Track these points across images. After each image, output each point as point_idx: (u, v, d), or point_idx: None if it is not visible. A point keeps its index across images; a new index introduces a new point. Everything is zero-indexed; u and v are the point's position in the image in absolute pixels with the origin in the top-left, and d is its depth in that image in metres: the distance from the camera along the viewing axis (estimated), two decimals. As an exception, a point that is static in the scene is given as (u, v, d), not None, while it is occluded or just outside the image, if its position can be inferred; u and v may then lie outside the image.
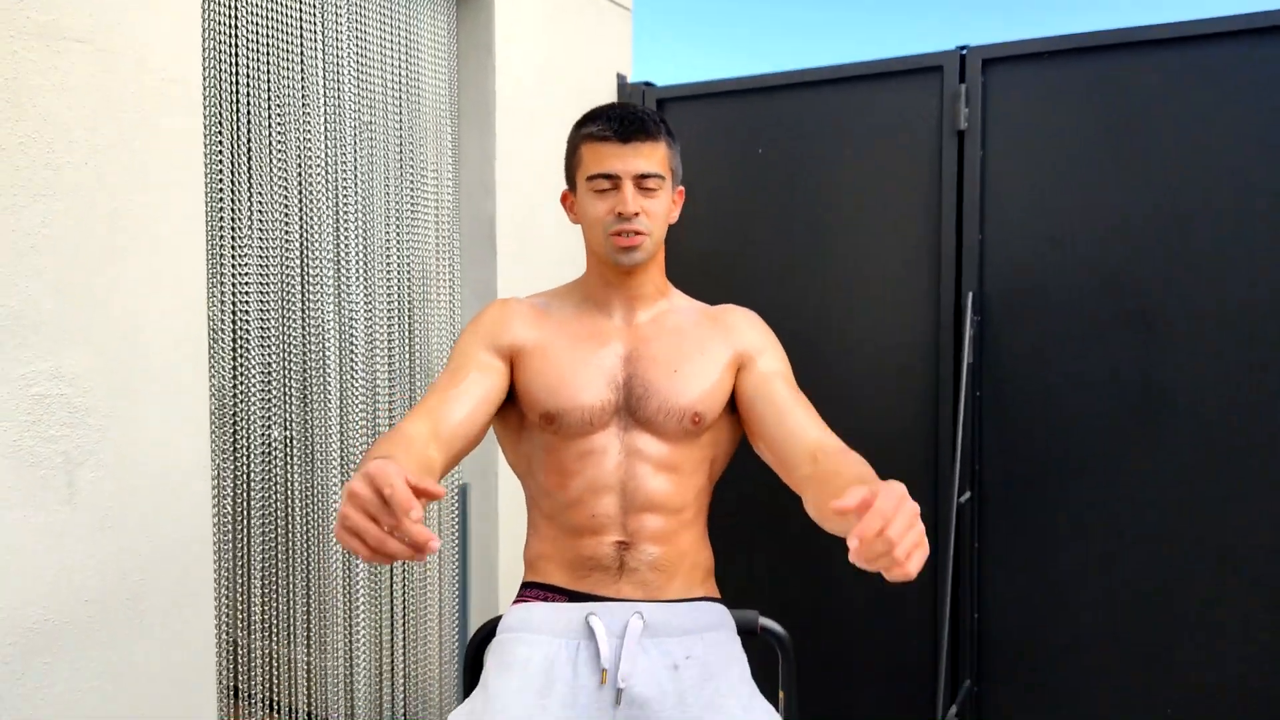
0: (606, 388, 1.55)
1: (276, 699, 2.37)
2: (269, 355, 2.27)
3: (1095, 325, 2.61)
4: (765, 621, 1.70)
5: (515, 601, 1.59)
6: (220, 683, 2.15)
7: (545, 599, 1.56)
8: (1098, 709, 2.65)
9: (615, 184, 1.53)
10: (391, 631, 2.62)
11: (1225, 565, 2.50)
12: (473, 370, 1.53)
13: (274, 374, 2.28)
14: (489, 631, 1.65)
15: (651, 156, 1.53)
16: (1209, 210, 2.49)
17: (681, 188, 1.64)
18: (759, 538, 2.95)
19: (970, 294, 2.70)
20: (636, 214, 1.52)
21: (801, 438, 1.47)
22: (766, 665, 1.74)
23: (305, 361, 2.36)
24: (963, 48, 2.72)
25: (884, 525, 1.02)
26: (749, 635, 1.67)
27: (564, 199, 1.64)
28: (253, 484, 2.23)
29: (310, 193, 2.36)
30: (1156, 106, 2.54)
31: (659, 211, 1.56)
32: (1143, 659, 2.60)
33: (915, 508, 1.07)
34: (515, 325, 1.59)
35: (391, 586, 2.62)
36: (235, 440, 2.19)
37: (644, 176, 1.53)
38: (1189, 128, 2.51)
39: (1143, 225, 2.56)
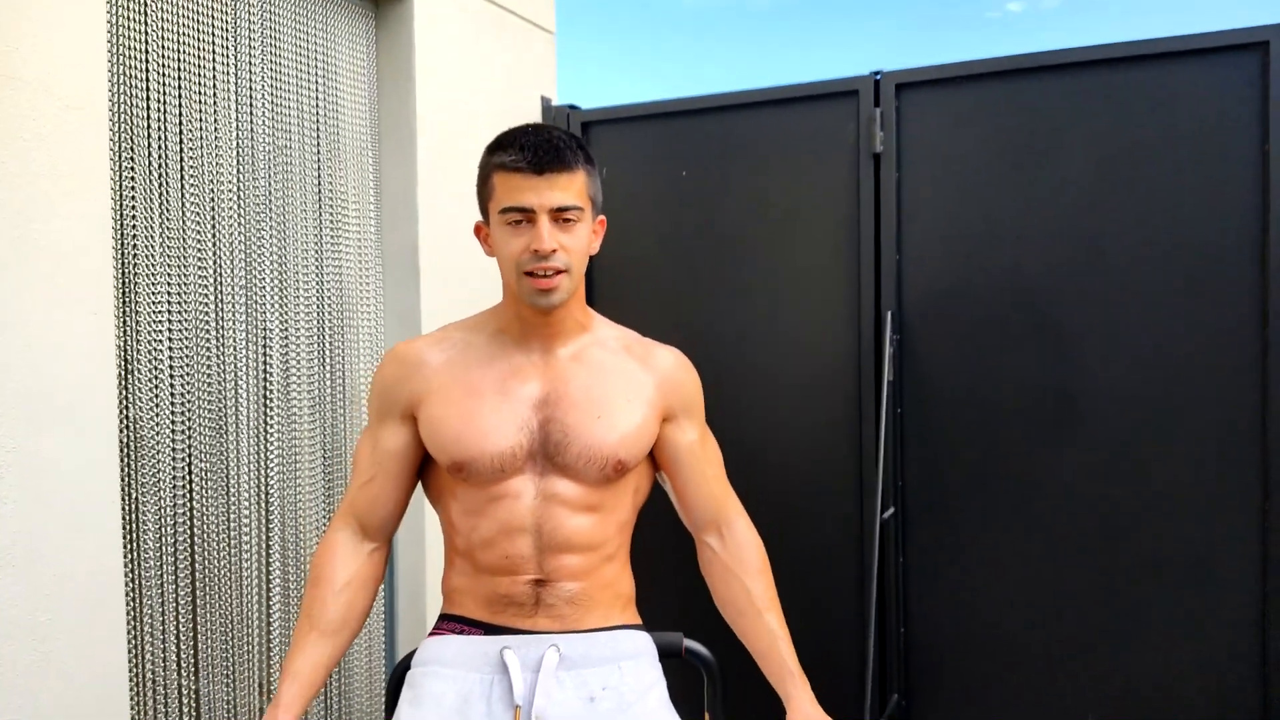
0: (519, 432, 1.48)
1: (196, 738, 2.31)
2: (183, 386, 2.22)
3: (1009, 340, 2.68)
4: (690, 643, 1.70)
5: (431, 634, 1.57)
6: (135, 724, 2.09)
7: (461, 632, 1.53)
8: (1025, 719, 2.70)
9: (530, 218, 1.43)
10: (316, 664, 2.57)
11: (1145, 571, 2.58)
12: (382, 446, 1.55)
13: (188, 405, 2.23)
14: (408, 667, 1.63)
15: (569, 188, 1.43)
16: (1115, 226, 2.58)
17: (602, 217, 1.55)
18: (684, 558, 2.96)
19: (889, 312, 2.75)
20: (554, 250, 1.42)
21: (708, 505, 1.63)
22: (693, 687, 1.75)
23: (221, 391, 2.31)
24: (877, 73, 2.78)
25: None
26: (674, 657, 1.67)
27: (477, 230, 1.56)
28: (165, 517, 2.18)
29: (223, 219, 2.32)
30: (1063, 128, 2.62)
31: (578, 246, 1.46)
32: (1068, 668, 2.66)
33: None
34: (411, 378, 1.54)
35: (315, 618, 2.57)
36: (148, 474, 2.14)
37: (561, 210, 1.43)
38: (1094, 148, 2.60)
39: (1052, 242, 2.64)
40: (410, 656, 1.63)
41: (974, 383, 2.72)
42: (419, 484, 1.63)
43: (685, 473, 1.62)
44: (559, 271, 1.44)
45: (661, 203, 3.06)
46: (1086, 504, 2.62)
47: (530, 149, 1.42)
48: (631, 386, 1.54)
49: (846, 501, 2.85)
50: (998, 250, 2.69)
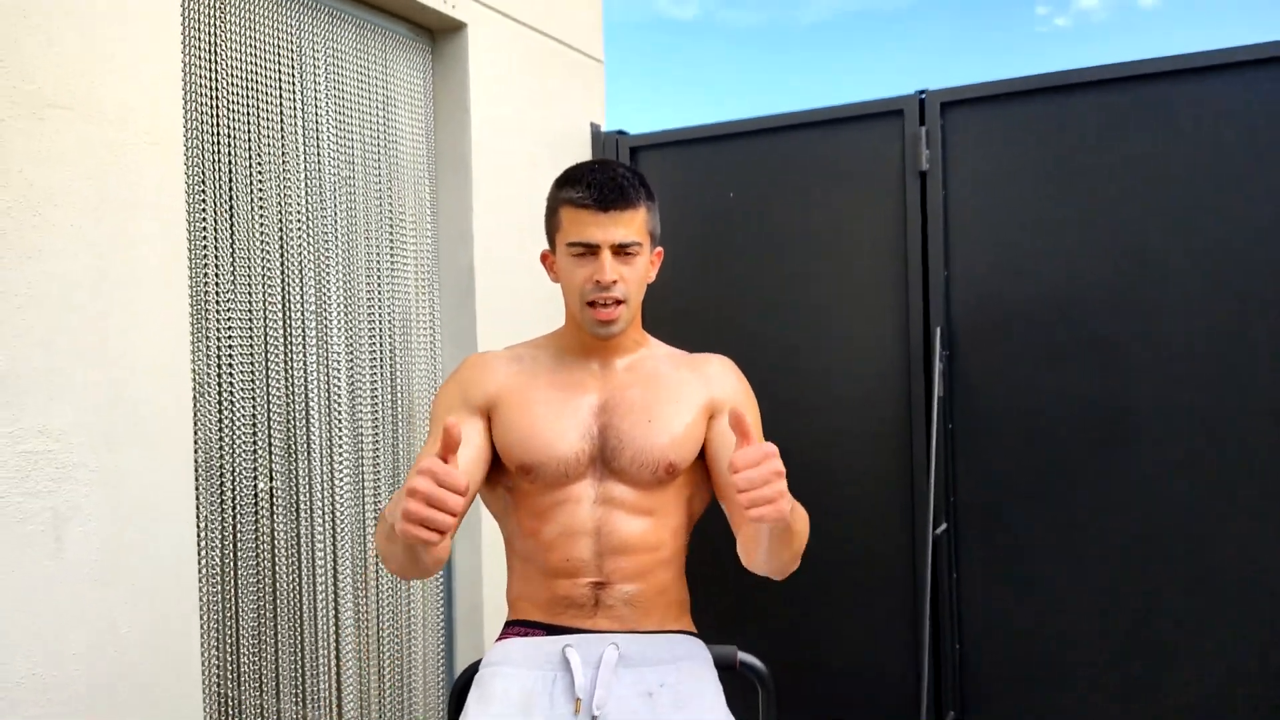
0: (581, 439, 1.57)
1: (264, 750, 2.38)
2: (254, 407, 2.31)
3: (1058, 354, 2.68)
4: (744, 656, 1.72)
5: (499, 639, 1.63)
6: (207, 734, 2.16)
7: (524, 634, 1.59)
8: (1079, 734, 2.68)
9: (594, 251, 1.53)
10: (379, 677, 2.63)
11: (1202, 585, 2.56)
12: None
13: (259, 426, 2.32)
14: (471, 676, 1.68)
15: (630, 224, 1.53)
16: (1161, 240, 2.58)
17: (660, 249, 1.65)
18: (739, 572, 2.98)
19: (938, 329, 2.77)
20: (614, 281, 1.53)
21: None
22: (747, 701, 1.77)
23: (289, 413, 2.39)
24: (921, 92, 2.81)
25: (746, 466, 1.22)
26: (728, 670, 1.70)
27: (544, 258, 1.65)
28: (239, 536, 2.26)
29: (291, 247, 2.41)
30: (1106, 143, 2.63)
31: (636, 277, 1.57)
32: (1125, 682, 2.64)
33: (778, 466, 1.23)
34: (488, 379, 1.61)
35: (379, 632, 2.64)
36: (221, 492, 2.22)
37: (622, 245, 1.53)
38: (1137, 162, 2.60)
39: (1099, 256, 2.64)
40: (469, 669, 1.69)
41: (1024, 397, 2.72)
42: (478, 497, 1.67)
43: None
44: (618, 302, 1.55)
45: (710, 225, 3.11)
46: (1140, 517, 2.61)
47: (596, 187, 1.52)
48: (682, 391, 1.62)
49: (899, 518, 2.86)
50: (1045, 265, 2.70)
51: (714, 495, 1.71)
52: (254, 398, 2.31)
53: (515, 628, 1.62)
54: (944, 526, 2.77)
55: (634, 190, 1.54)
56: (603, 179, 1.53)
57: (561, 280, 1.60)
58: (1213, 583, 2.54)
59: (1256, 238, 2.49)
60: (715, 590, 3.10)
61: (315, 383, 2.46)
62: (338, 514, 2.51)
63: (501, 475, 1.64)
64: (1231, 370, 2.52)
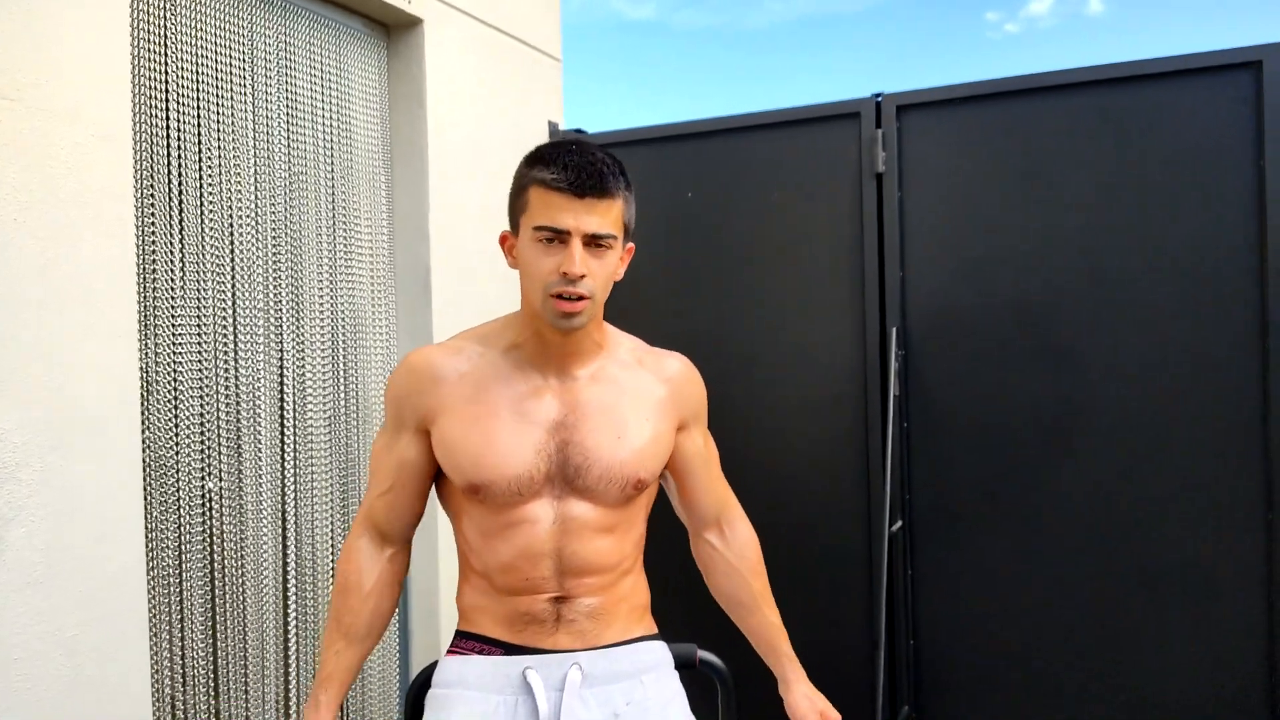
0: (536, 456, 1.46)
1: (214, 755, 2.34)
2: (203, 406, 2.27)
3: (1013, 355, 2.72)
4: (704, 654, 1.72)
5: (450, 651, 1.56)
6: (156, 740, 2.12)
7: (481, 651, 1.52)
8: (1030, 729, 2.72)
9: (563, 239, 1.39)
10: (332, 681, 2.60)
11: (1150, 583, 2.61)
12: (397, 455, 1.54)
13: (207, 425, 2.28)
14: (427, 678, 1.65)
15: (607, 214, 1.39)
16: (1113, 243, 2.63)
17: (631, 245, 1.51)
18: (698, 571, 2.99)
19: (894, 329, 2.79)
20: (583, 276, 1.39)
21: (713, 505, 1.69)
22: (707, 699, 1.78)
23: (239, 412, 2.36)
24: (878, 95, 2.84)
25: None
26: (688, 668, 1.70)
27: (503, 240, 1.50)
28: (185, 536, 2.22)
29: (242, 243, 2.38)
30: (1061, 147, 2.68)
31: (606, 273, 1.43)
32: (1076, 678, 2.68)
33: None
34: (425, 394, 1.50)
35: (331, 635, 2.60)
36: (169, 493, 2.18)
37: (596, 236, 1.39)
38: (1091, 166, 2.65)
39: (1052, 258, 2.68)
40: (427, 671, 1.65)
41: (979, 397, 2.76)
42: (432, 495, 1.65)
43: (694, 477, 1.66)
44: (584, 297, 1.41)
45: (667, 224, 3.11)
46: (1091, 516, 2.65)
47: (574, 169, 1.38)
48: (647, 401, 1.54)
49: (855, 515, 2.88)
50: (999, 267, 2.74)
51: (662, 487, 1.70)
52: (203, 397, 2.27)
53: (470, 642, 1.54)
54: (899, 524, 2.80)
55: (614, 178, 1.40)
56: (581, 161, 1.38)
57: (521, 267, 1.44)
58: (1163, 580, 2.60)
59: (1209, 244, 2.55)
60: (675, 588, 3.10)
61: (265, 381, 2.42)
62: (286, 514, 2.48)
63: (450, 488, 1.55)
64: (1181, 373, 2.57)
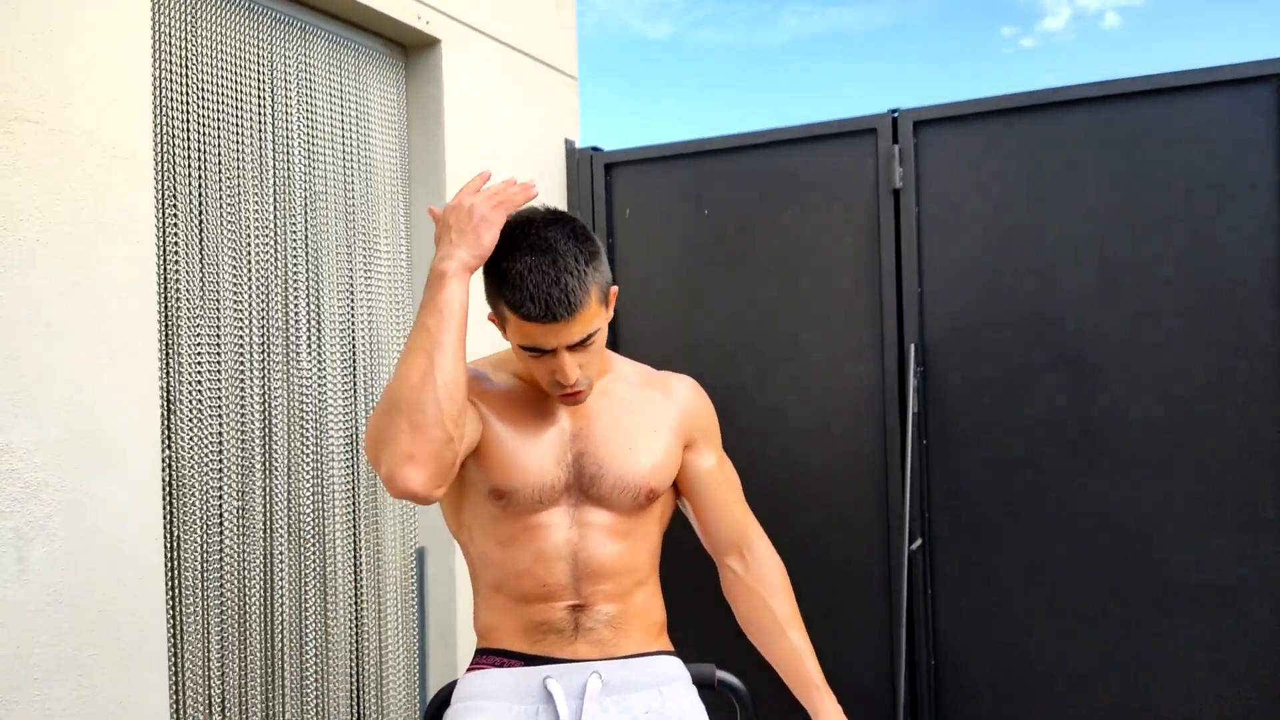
0: (557, 465, 1.53)
1: (233, 774, 2.34)
2: (223, 425, 2.28)
3: (1032, 370, 2.70)
4: (722, 675, 1.72)
5: (470, 669, 1.57)
6: (175, 759, 2.12)
7: (501, 664, 1.54)
8: (1054, 750, 2.69)
9: (550, 351, 1.44)
10: (351, 700, 2.60)
11: (1173, 598, 2.58)
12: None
13: (227, 445, 2.29)
14: (446, 697, 1.65)
15: (586, 322, 1.42)
16: (1132, 257, 2.61)
17: (615, 287, 1.52)
18: (716, 590, 2.98)
19: (912, 345, 2.78)
20: (578, 379, 1.46)
21: (730, 528, 1.68)
22: (724, 718, 1.76)
23: (258, 430, 2.36)
24: (894, 110, 2.84)
25: None
26: (706, 689, 1.69)
27: (491, 318, 1.51)
28: (206, 555, 2.22)
29: (262, 264, 2.39)
30: (1079, 161, 2.67)
31: (598, 358, 1.50)
32: (1100, 695, 2.65)
33: None
34: (475, 397, 1.52)
35: (350, 653, 2.60)
36: (189, 512, 2.19)
37: (579, 342, 1.43)
38: (1109, 181, 2.64)
39: (1071, 273, 2.67)
40: (446, 690, 1.65)
41: (998, 413, 2.74)
42: (446, 517, 1.64)
43: (706, 497, 1.67)
44: (583, 389, 1.49)
45: (684, 241, 3.11)
46: (1113, 532, 2.63)
47: (541, 301, 1.38)
48: (656, 416, 1.60)
49: (874, 533, 2.86)
50: (1018, 282, 2.72)
51: (678, 510, 1.71)
52: (222, 416, 2.28)
53: (490, 656, 1.56)
54: (919, 542, 2.77)
55: (582, 290, 1.39)
56: (545, 284, 1.38)
57: (517, 358, 1.51)
58: (1187, 597, 2.56)
59: (1229, 259, 2.53)
60: (693, 608, 3.09)
61: (284, 400, 2.43)
62: (305, 532, 2.48)
63: (466, 498, 1.58)
64: (1201, 388, 2.55)
